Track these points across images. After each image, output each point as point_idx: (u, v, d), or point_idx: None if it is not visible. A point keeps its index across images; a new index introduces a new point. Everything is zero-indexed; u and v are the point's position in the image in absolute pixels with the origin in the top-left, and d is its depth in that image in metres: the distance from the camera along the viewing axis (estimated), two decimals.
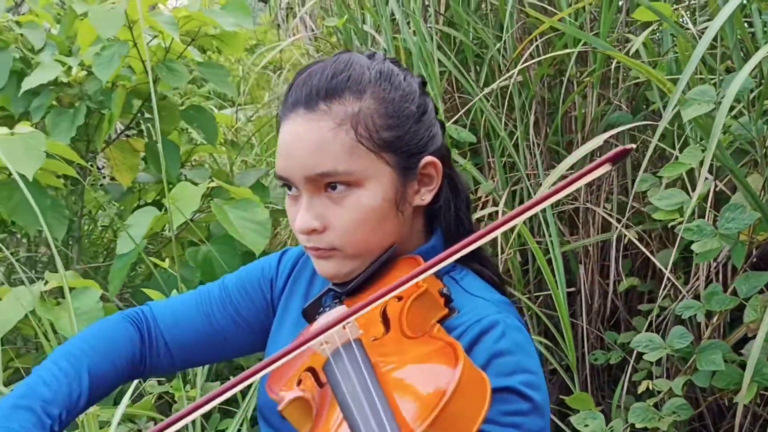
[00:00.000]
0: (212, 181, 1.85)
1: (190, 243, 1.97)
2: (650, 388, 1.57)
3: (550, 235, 1.74)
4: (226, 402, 1.85)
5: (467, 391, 0.55)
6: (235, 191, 1.83)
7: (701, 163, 1.45)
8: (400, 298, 0.69)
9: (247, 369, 0.60)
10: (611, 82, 1.93)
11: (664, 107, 1.74)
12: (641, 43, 1.70)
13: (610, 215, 1.86)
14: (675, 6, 1.83)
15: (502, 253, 1.84)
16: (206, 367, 1.74)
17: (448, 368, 0.56)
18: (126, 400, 1.39)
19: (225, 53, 3.33)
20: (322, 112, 0.78)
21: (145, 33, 1.85)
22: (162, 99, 2.09)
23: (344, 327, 0.64)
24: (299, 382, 0.66)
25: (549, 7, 1.98)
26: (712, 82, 1.48)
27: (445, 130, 0.89)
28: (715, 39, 1.40)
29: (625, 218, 1.79)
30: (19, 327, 1.65)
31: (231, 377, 1.84)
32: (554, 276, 1.67)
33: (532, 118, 1.95)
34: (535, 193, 1.86)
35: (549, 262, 1.70)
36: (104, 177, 2.73)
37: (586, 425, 1.55)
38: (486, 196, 1.96)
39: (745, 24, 1.56)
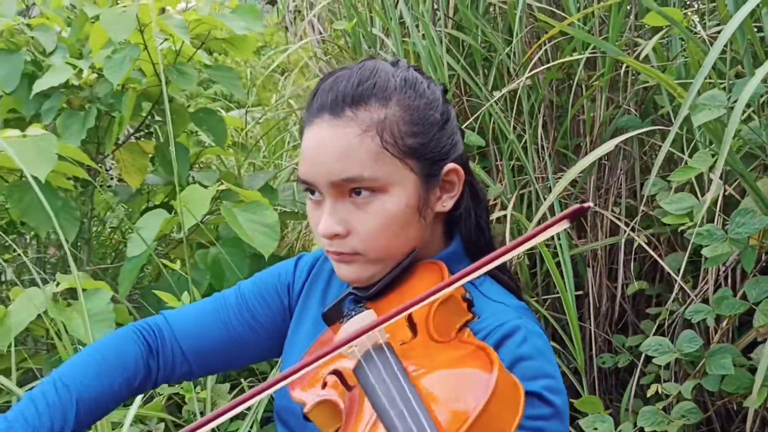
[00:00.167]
0: (221, 183, 1.86)
1: (199, 245, 1.98)
2: (659, 391, 1.57)
3: (559, 239, 1.75)
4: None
5: (504, 394, 0.55)
6: (244, 194, 1.84)
7: (711, 167, 1.46)
8: None
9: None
10: (620, 85, 1.93)
11: (673, 111, 1.74)
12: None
13: (619, 219, 1.86)
14: (684, 10, 1.83)
15: None
16: None
17: (484, 372, 0.56)
18: (138, 401, 1.40)
19: (234, 56, 3.34)
20: (348, 118, 0.79)
21: (155, 36, 1.86)
22: (169, 101, 2.09)
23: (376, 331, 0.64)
24: (324, 385, 0.66)
25: (558, 11, 1.98)
26: (722, 86, 1.48)
27: (464, 137, 0.90)
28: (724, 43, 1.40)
29: (633, 222, 1.79)
30: (30, 328, 1.66)
31: (241, 379, 1.85)
32: (563, 279, 1.68)
33: (540, 122, 1.95)
34: (544, 197, 1.86)
35: (557, 265, 1.71)
36: (112, 178, 2.74)
37: (595, 428, 1.55)
38: (494, 200, 1.96)
39: (755, 29, 1.56)
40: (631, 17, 1.88)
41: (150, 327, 0.96)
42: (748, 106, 1.44)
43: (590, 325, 1.91)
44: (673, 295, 1.68)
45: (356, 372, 0.63)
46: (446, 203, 0.85)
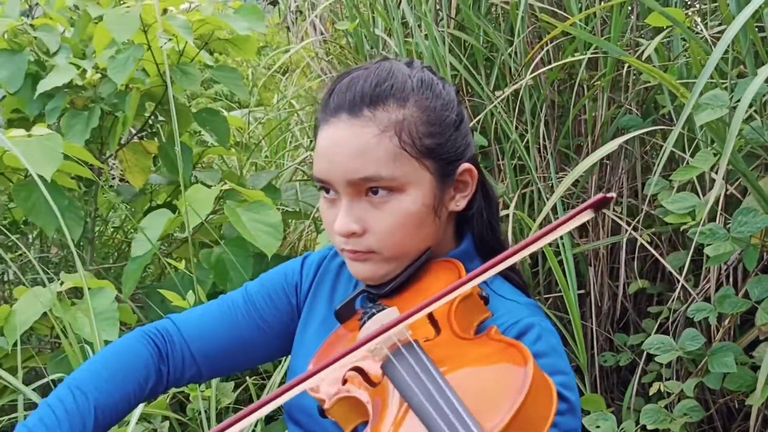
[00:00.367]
0: (225, 183, 1.87)
1: (202, 245, 1.98)
2: (661, 389, 1.58)
3: (561, 238, 1.76)
4: (240, 402, 1.87)
5: (539, 390, 0.55)
6: (248, 194, 1.85)
7: (712, 166, 1.47)
8: None
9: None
10: (621, 85, 1.94)
11: (675, 111, 1.75)
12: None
13: (620, 218, 1.87)
14: (686, 11, 1.84)
15: None
16: None
17: (519, 368, 0.56)
18: None
19: (237, 56, 3.35)
20: (366, 118, 0.79)
21: (158, 36, 1.86)
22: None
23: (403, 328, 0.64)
24: (344, 381, 0.66)
25: (559, 12, 1.99)
26: (723, 86, 1.49)
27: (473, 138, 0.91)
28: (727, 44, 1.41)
29: (635, 221, 1.80)
30: (34, 327, 1.66)
31: (246, 377, 1.86)
32: (566, 278, 1.69)
33: (542, 121, 1.96)
34: (546, 196, 1.87)
35: (560, 264, 1.72)
36: (114, 178, 2.74)
37: (598, 426, 1.56)
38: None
39: (756, 28, 1.57)
40: (632, 17, 1.89)
41: (158, 331, 0.96)
42: (750, 105, 1.44)
43: (592, 323, 1.92)
44: (675, 293, 1.69)
45: (385, 369, 0.62)
46: (459, 203, 0.86)
